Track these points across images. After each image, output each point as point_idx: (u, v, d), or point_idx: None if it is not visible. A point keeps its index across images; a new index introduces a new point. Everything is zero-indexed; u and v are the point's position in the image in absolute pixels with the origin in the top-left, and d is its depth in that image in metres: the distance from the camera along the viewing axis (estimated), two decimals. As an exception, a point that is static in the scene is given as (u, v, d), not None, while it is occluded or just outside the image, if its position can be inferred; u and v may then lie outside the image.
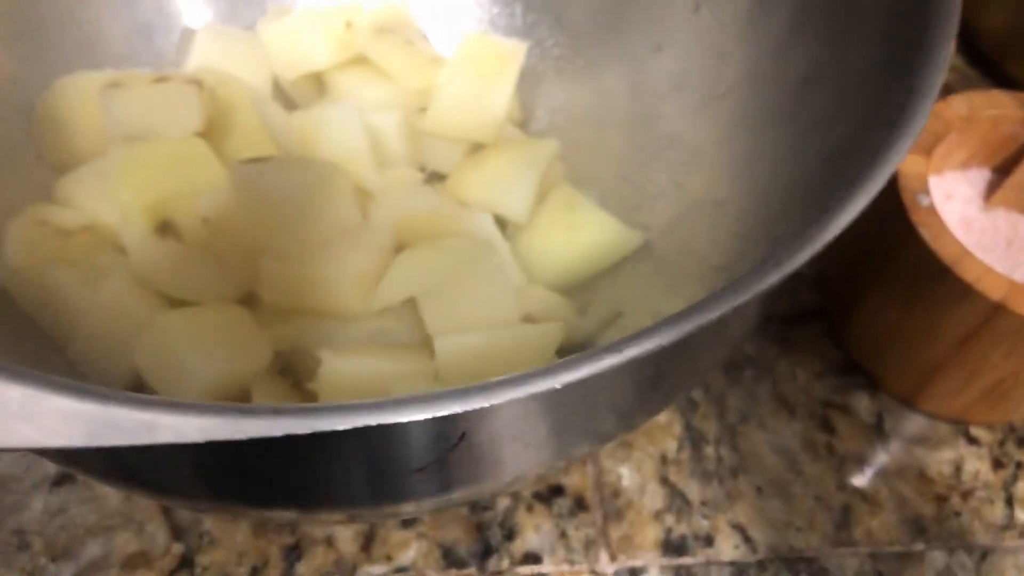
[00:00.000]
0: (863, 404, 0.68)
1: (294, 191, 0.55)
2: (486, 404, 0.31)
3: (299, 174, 0.55)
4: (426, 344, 0.60)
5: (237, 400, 0.57)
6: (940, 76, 0.44)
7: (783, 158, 0.59)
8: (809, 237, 0.38)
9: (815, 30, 0.59)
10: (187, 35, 0.74)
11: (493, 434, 0.40)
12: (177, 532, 0.60)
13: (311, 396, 0.57)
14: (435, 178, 0.72)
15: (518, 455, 0.43)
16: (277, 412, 0.30)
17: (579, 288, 0.69)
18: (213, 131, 0.63)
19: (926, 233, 0.59)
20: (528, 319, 0.61)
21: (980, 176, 0.69)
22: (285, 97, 0.74)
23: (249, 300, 0.60)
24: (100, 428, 0.29)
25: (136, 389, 0.57)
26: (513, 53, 0.70)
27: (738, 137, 0.65)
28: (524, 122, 0.76)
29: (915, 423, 0.67)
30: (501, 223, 0.67)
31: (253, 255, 0.57)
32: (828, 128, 0.55)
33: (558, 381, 0.32)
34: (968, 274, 0.57)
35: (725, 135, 0.66)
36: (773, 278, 0.37)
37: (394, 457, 0.39)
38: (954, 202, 0.68)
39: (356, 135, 0.60)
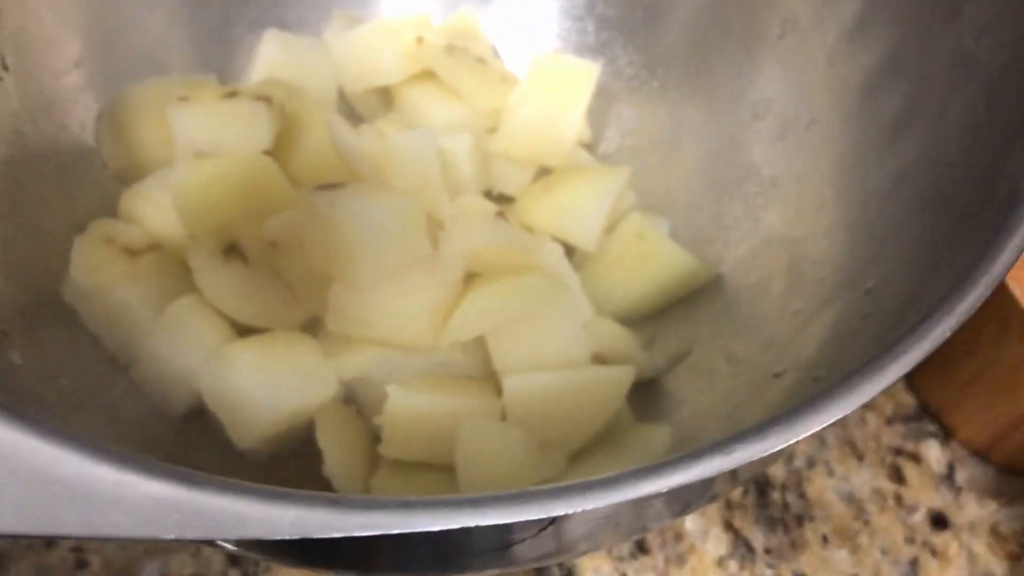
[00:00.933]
0: (934, 453, 0.66)
1: (367, 221, 0.53)
2: (590, 507, 0.29)
3: (373, 203, 0.54)
4: (491, 377, 0.59)
5: (300, 430, 0.56)
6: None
7: (866, 204, 0.57)
8: (915, 343, 0.36)
9: (909, 71, 0.56)
10: (253, 42, 0.72)
11: (583, 521, 0.38)
12: (234, 557, 0.59)
13: (376, 430, 0.56)
14: (502, 200, 0.70)
15: (601, 533, 0.41)
16: (371, 505, 0.29)
17: (647, 320, 0.67)
18: (281, 148, 0.61)
19: (1016, 289, 0.57)
20: (597, 357, 0.59)
21: (1070, 221, 0.67)
22: (350, 108, 0.73)
23: (313, 324, 0.59)
24: (192, 519, 0.28)
25: (198, 413, 0.57)
26: (586, 75, 0.68)
27: (819, 173, 0.62)
28: (593, 143, 0.74)
29: (989, 476, 0.65)
30: (569, 250, 0.66)
31: (321, 282, 0.56)
32: (921, 180, 0.52)
33: (666, 485, 0.30)
34: (1061, 334, 0.55)
35: (805, 169, 0.64)
36: (881, 385, 0.34)
37: (478, 541, 0.38)
38: (1041, 248, 0.65)
39: (430, 163, 0.58)
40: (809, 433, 0.33)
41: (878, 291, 0.52)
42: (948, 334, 0.37)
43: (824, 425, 0.34)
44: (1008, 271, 0.39)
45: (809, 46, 0.64)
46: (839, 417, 0.34)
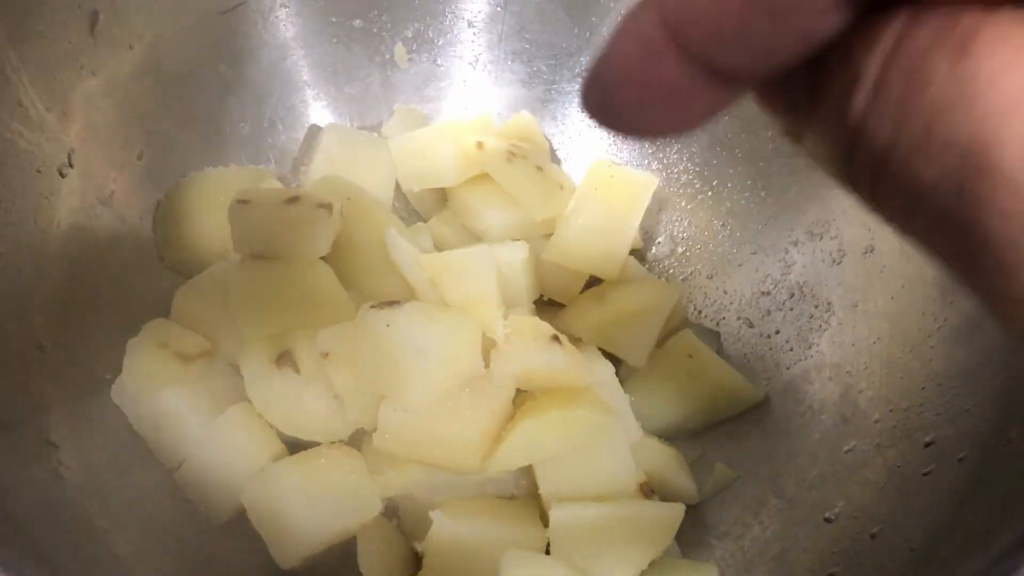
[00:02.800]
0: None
1: (422, 342, 0.53)
2: None
3: (429, 325, 0.54)
4: (535, 499, 0.58)
5: (341, 545, 0.55)
6: None
7: (926, 347, 0.56)
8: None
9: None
10: (312, 132, 0.73)
11: None
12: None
13: (418, 553, 0.55)
14: (552, 305, 0.70)
15: None
16: None
17: (693, 438, 0.66)
18: (338, 252, 0.61)
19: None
20: (645, 487, 0.58)
21: None
22: (405, 202, 0.73)
23: (358, 436, 0.59)
24: None
25: (239, 522, 0.56)
26: (644, 187, 0.68)
27: (876, 304, 0.61)
28: (644, 248, 0.74)
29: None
30: (616, 361, 0.65)
31: (370, 394, 0.56)
32: (993, 331, 0.51)
33: None
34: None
35: (862, 297, 0.63)
36: None
37: None
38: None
39: (488, 280, 0.58)
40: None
41: (939, 447, 0.51)
42: None
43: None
44: None
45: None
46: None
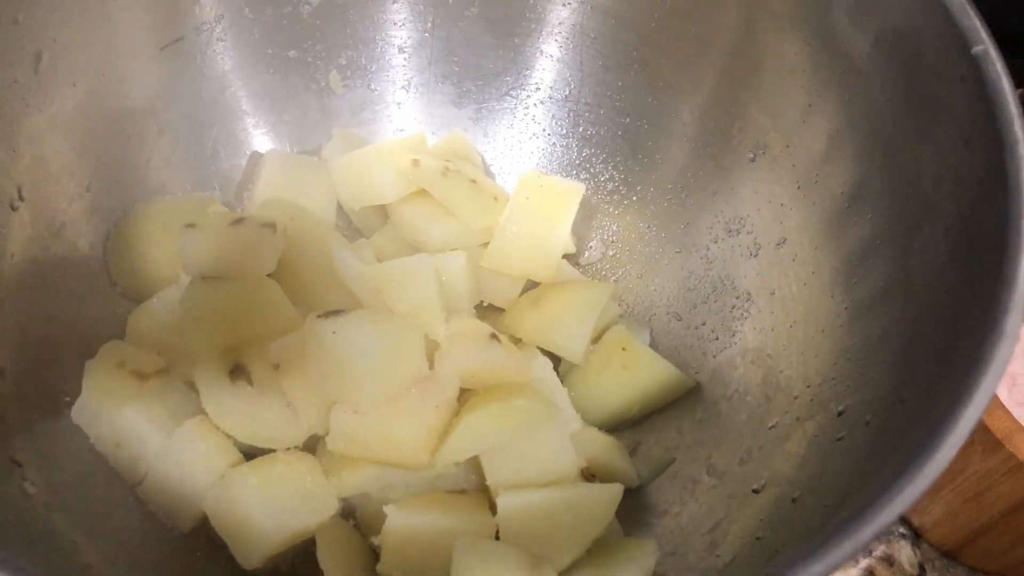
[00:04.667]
0: (906, 554, 0.69)
1: (368, 347, 0.56)
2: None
3: (373, 330, 0.57)
4: (485, 489, 0.62)
5: (302, 545, 0.58)
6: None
7: (836, 326, 0.60)
8: (907, 484, 0.39)
9: (873, 203, 0.60)
10: (254, 159, 0.76)
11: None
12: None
13: (375, 547, 0.58)
14: (492, 310, 0.73)
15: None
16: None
17: (631, 428, 0.71)
18: (284, 269, 0.65)
19: (979, 405, 0.60)
20: (586, 470, 0.62)
21: (1026, 332, 0.71)
22: (347, 221, 0.76)
23: (313, 441, 0.62)
24: None
25: (203, 530, 0.59)
26: (572, 193, 0.72)
27: (791, 291, 0.66)
28: (577, 252, 0.78)
29: (958, 577, 0.68)
30: (555, 359, 0.69)
31: (322, 400, 0.59)
32: (889, 309, 0.56)
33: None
34: (1021, 450, 0.58)
35: (777, 286, 0.68)
36: (882, 523, 0.38)
37: None
38: (1000, 358, 0.69)
39: (429, 287, 0.62)
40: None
41: (849, 415, 0.55)
42: (941, 470, 0.40)
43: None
44: (986, 404, 0.42)
45: (779, 170, 0.68)
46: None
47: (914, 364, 0.52)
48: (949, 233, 0.52)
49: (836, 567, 0.37)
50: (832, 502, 0.51)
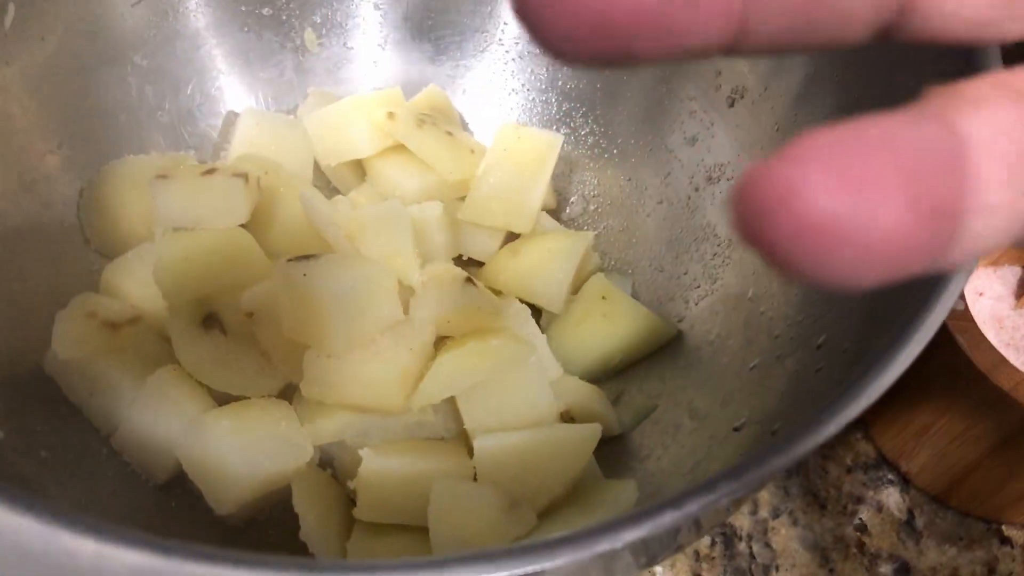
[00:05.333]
0: (894, 500, 0.68)
1: (339, 290, 0.56)
2: (549, 565, 0.31)
3: (345, 273, 0.56)
4: (463, 437, 0.61)
5: (277, 495, 0.57)
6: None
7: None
8: (860, 389, 0.39)
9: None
10: (231, 118, 0.75)
11: None
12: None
13: (352, 494, 0.58)
14: (472, 265, 0.73)
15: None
16: (341, 569, 0.31)
17: (613, 378, 0.70)
18: (258, 221, 0.64)
19: (962, 339, 0.59)
20: (566, 415, 0.61)
21: (1011, 274, 0.70)
22: (325, 181, 0.76)
23: (289, 391, 0.61)
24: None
25: (179, 480, 0.58)
26: (550, 145, 0.71)
27: (773, 234, 0.66)
28: (558, 208, 0.78)
29: (947, 521, 0.67)
30: (536, 312, 0.68)
31: (296, 349, 0.58)
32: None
33: (620, 540, 0.32)
34: (1005, 381, 0.58)
35: (759, 230, 0.67)
36: (828, 432, 0.37)
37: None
38: (985, 300, 0.68)
39: (402, 232, 0.61)
40: (751, 488, 0.35)
41: (828, 346, 0.54)
42: (886, 387, 0.40)
43: (765, 479, 0.36)
44: (939, 321, 0.42)
45: (758, 113, 0.67)
46: (776, 470, 0.36)
47: (884, 291, 0.51)
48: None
49: (797, 459, 0.36)
50: (812, 427, 0.50)
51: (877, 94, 0.57)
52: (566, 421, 0.61)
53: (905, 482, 0.69)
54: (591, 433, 0.58)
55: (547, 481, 0.57)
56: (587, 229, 0.77)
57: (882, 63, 0.56)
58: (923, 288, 0.45)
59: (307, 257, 0.57)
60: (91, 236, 0.66)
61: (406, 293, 0.61)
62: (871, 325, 0.51)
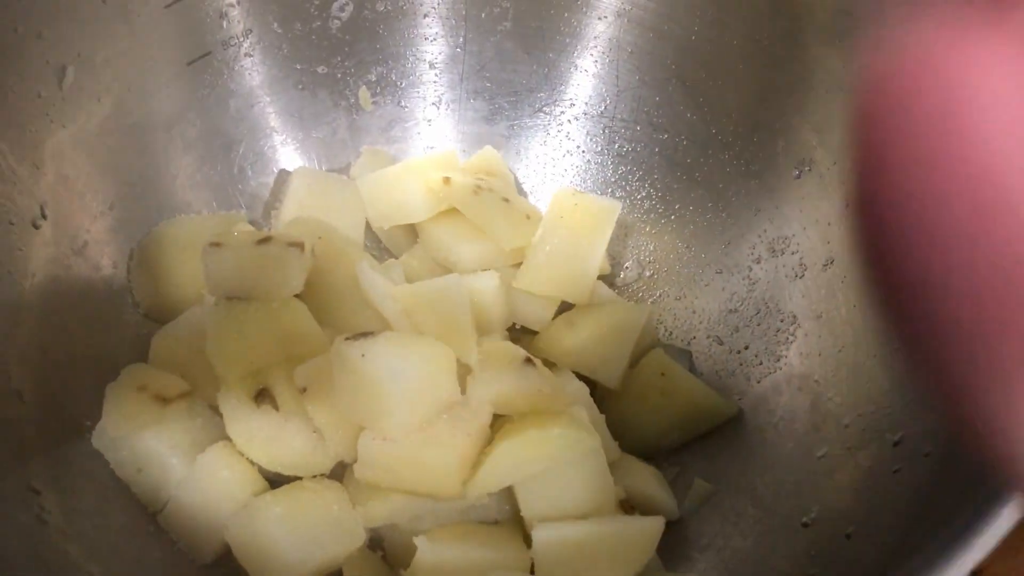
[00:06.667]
0: (962, 592, 0.65)
1: (398, 371, 0.54)
2: None
3: (404, 354, 0.55)
4: (518, 521, 0.59)
5: (327, 578, 0.56)
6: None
7: (892, 351, 0.57)
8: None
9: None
10: (282, 177, 0.74)
11: None
12: None
13: (404, 581, 0.56)
14: (525, 333, 0.71)
15: None
16: None
17: (671, 456, 0.68)
18: (311, 289, 0.63)
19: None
20: (625, 504, 0.59)
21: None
22: (376, 240, 0.74)
23: (340, 468, 0.59)
24: None
25: (225, 561, 0.56)
26: (607, 212, 0.69)
27: (839, 314, 0.63)
28: (612, 273, 0.76)
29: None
30: (591, 384, 0.66)
31: (350, 427, 0.57)
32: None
33: None
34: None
35: (825, 308, 0.65)
36: None
37: None
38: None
39: (461, 308, 0.59)
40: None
41: (907, 446, 0.52)
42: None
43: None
44: None
45: (827, 187, 0.65)
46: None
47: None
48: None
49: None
50: (891, 541, 0.48)
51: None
52: (625, 508, 0.59)
53: (975, 574, 0.66)
54: (655, 527, 0.56)
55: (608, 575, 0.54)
56: (642, 296, 0.75)
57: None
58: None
59: (364, 335, 0.56)
60: (140, 299, 0.65)
61: (463, 371, 0.59)
62: (958, 431, 0.48)
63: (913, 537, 0.45)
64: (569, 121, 0.77)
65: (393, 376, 0.54)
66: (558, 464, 0.56)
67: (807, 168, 0.66)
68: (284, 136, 0.74)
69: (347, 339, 0.55)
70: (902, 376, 0.56)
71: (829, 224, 0.65)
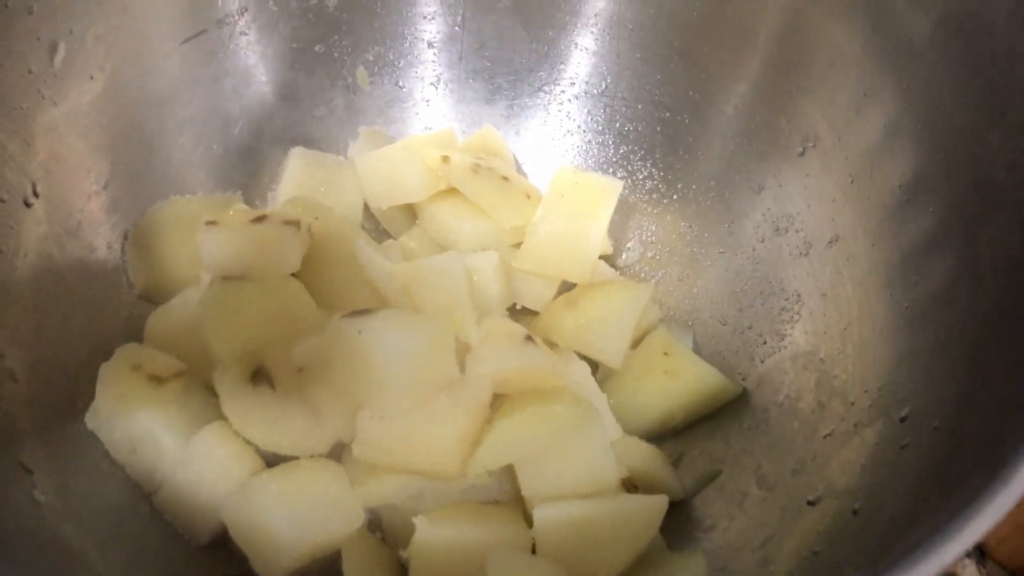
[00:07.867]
0: (970, 573, 0.64)
1: (396, 348, 0.53)
2: None
3: (402, 330, 0.54)
4: (519, 500, 0.58)
5: (326, 559, 0.55)
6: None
7: (896, 327, 0.56)
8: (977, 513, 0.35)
9: (935, 193, 0.56)
10: (279, 157, 0.73)
11: None
12: None
13: (403, 561, 0.55)
14: (525, 313, 0.70)
15: None
16: None
17: (675, 437, 0.67)
18: (308, 269, 0.62)
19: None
20: (627, 481, 0.58)
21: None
22: (374, 222, 0.73)
23: (338, 449, 0.59)
24: None
25: (222, 542, 0.56)
26: (608, 191, 0.68)
27: (845, 291, 0.62)
28: (614, 254, 0.75)
29: (1028, 599, 0.63)
30: (592, 364, 0.65)
31: (348, 406, 0.56)
32: (957, 306, 0.52)
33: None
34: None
35: (830, 286, 0.63)
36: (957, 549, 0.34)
37: None
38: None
39: (460, 285, 0.58)
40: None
41: (914, 421, 0.51)
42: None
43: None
44: None
45: (831, 163, 0.64)
46: None
47: (985, 365, 0.48)
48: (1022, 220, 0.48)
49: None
50: (899, 515, 0.47)
51: (967, 150, 0.54)
52: (627, 486, 0.58)
53: (982, 555, 0.66)
54: (658, 505, 0.55)
55: (610, 555, 0.53)
56: (644, 277, 0.74)
57: (972, 119, 0.53)
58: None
59: (362, 312, 0.55)
60: (135, 280, 0.64)
61: (462, 349, 0.58)
62: (965, 405, 0.47)
63: (921, 511, 0.44)
64: (569, 100, 0.76)
65: (391, 354, 0.53)
66: (559, 442, 0.55)
67: (811, 144, 0.65)
68: (281, 116, 0.73)
69: (344, 316, 0.55)
70: (908, 352, 0.55)
71: (834, 201, 0.64)
